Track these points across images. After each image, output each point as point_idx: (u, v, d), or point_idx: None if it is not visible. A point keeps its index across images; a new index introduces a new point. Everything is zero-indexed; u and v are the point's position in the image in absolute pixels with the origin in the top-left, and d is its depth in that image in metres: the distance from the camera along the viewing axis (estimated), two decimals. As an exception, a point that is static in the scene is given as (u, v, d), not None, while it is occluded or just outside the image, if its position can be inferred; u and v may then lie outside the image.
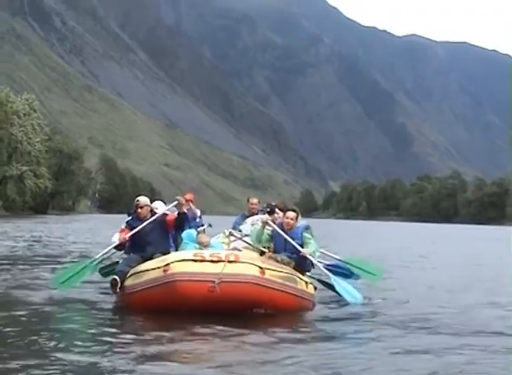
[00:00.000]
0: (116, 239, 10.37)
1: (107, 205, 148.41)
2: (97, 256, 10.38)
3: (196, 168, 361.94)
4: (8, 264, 15.41)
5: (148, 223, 10.13)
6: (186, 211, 10.56)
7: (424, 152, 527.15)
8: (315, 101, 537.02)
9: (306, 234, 10.31)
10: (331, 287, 10.65)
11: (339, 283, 10.24)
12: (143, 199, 10.47)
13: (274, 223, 10.70)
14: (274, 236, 10.41)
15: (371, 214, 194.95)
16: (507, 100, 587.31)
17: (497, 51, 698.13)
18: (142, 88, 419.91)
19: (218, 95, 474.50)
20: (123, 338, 7.19)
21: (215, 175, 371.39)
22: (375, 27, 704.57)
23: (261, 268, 8.68)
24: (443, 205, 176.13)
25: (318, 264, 10.36)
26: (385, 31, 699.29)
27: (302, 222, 10.64)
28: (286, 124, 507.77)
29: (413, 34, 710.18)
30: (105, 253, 10.41)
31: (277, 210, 11.23)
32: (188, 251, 9.42)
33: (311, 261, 10.15)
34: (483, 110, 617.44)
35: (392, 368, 6.12)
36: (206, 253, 8.92)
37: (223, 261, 8.60)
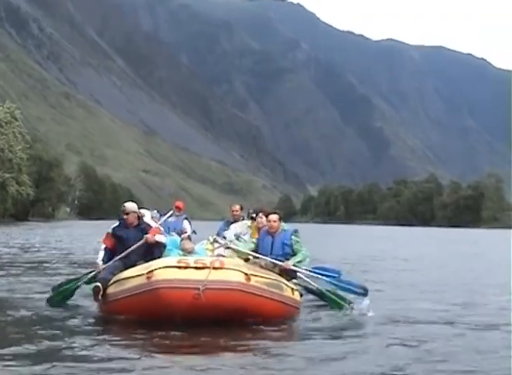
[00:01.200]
0: (99, 260, 10.07)
1: (86, 212, 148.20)
2: (83, 276, 10.36)
3: (174, 174, 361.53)
4: (2, 270, 15.95)
5: (133, 232, 10.01)
6: (157, 240, 10.09)
7: (401, 156, 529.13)
8: (293, 107, 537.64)
9: (295, 238, 10.22)
10: (318, 294, 10.66)
11: (327, 291, 10.12)
12: (129, 205, 10.32)
13: (259, 228, 10.82)
14: (258, 242, 10.38)
15: (349, 218, 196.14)
16: (483, 103, 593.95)
17: (473, 55, 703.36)
18: (120, 95, 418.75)
19: (196, 101, 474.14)
20: (105, 347, 7.16)
21: (193, 181, 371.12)
22: (351, 32, 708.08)
23: (246, 274, 8.52)
24: (420, 208, 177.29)
25: (302, 275, 10.10)
26: (361, 36, 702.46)
27: (286, 226, 10.55)
28: (263, 129, 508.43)
29: (389, 39, 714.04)
30: (89, 273, 10.28)
31: (260, 214, 11.11)
32: (172, 258, 9.22)
33: (295, 271, 10.00)
34: (459, 114, 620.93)
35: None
36: (190, 259, 8.74)
37: (208, 267, 8.42)
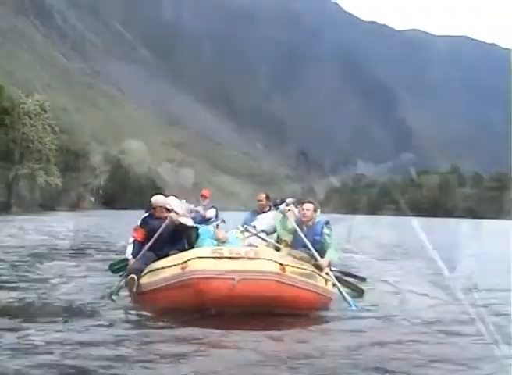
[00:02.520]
0: (129, 255, 10.08)
1: (110, 202, 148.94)
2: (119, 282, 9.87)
3: (198, 164, 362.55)
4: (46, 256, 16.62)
5: (162, 224, 9.95)
6: (181, 222, 10.25)
7: (424, 147, 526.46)
8: (316, 97, 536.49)
9: (326, 231, 10.00)
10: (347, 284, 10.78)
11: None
12: (154, 200, 10.32)
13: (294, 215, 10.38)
14: (295, 229, 10.14)
15: (372, 209, 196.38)
16: (508, 94, 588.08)
17: (497, 45, 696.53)
18: (143, 85, 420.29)
19: (219, 91, 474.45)
20: (138, 337, 7.24)
21: (216, 170, 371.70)
22: (375, 22, 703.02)
23: (281, 265, 8.49)
24: (442, 199, 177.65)
25: (331, 274, 9.85)
26: (385, 26, 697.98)
27: (321, 216, 10.36)
28: (287, 120, 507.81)
29: (413, 29, 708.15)
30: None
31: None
32: (206, 248, 9.19)
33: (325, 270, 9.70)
34: (483, 105, 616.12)
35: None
36: (225, 250, 8.71)
37: (243, 258, 8.43)
